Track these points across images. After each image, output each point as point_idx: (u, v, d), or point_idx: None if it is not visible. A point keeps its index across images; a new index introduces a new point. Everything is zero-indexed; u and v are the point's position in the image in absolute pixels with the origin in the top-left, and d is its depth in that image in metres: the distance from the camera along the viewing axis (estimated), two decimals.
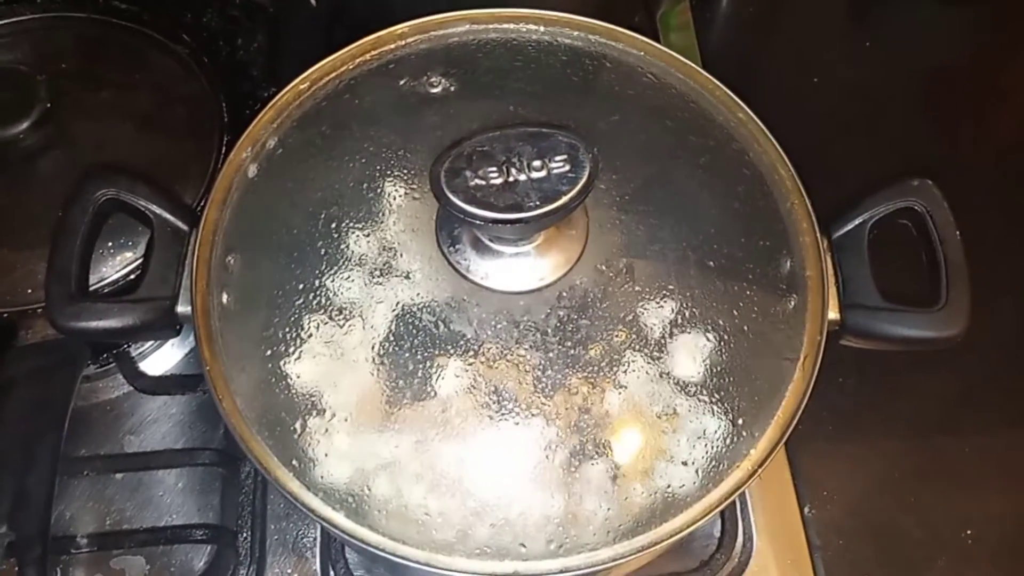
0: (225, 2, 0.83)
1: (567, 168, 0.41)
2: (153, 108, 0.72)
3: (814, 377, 0.46)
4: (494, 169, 0.41)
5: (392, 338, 0.45)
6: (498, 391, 0.44)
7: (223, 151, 0.70)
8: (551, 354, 0.45)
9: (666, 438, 0.45)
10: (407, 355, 0.45)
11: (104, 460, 0.66)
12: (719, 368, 0.46)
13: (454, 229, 0.47)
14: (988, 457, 0.71)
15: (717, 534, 0.65)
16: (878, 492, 0.69)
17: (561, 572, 0.43)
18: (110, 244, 0.64)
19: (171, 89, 0.74)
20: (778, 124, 0.52)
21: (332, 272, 0.47)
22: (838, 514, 0.67)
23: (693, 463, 0.45)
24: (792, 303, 0.48)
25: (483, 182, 0.41)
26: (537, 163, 0.41)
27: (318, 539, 0.64)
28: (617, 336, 0.45)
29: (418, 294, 0.46)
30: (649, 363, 0.45)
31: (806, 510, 0.67)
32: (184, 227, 0.50)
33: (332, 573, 0.63)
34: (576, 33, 0.55)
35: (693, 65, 0.54)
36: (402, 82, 0.53)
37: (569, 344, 0.45)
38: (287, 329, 0.46)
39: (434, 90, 0.52)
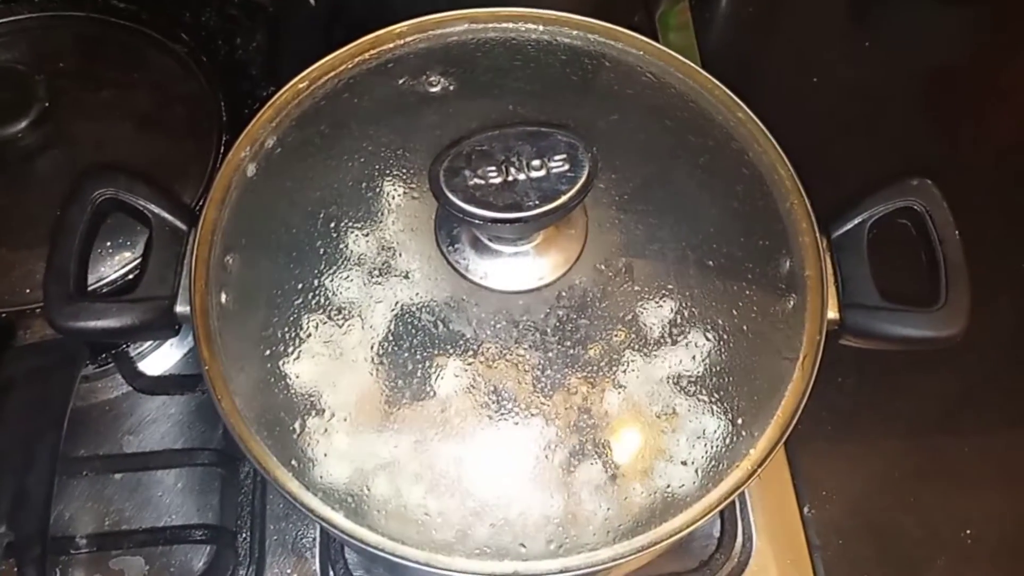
0: (224, 1, 0.83)
1: (566, 167, 0.41)
2: (152, 107, 0.72)
3: (813, 377, 0.46)
4: (493, 168, 0.41)
5: (391, 338, 0.45)
6: (497, 391, 0.44)
7: (222, 150, 0.70)
8: (550, 354, 0.45)
9: (665, 438, 0.45)
10: (406, 355, 0.45)
11: (103, 460, 0.66)
12: (718, 368, 0.46)
13: (453, 228, 0.47)
14: (988, 457, 0.71)
15: (717, 534, 0.65)
16: (878, 492, 0.69)
17: (561, 572, 0.43)
18: (109, 244, 0.64)
19: (170, 88, 0.74)
20: (777, 124, 0.52)
21: (331, 272, 0.47)
22: (838, 514, 0.67)
23: (693, 463, 0.45)
24: (791, 303, 0.48)
25: (482, 181, 0.41)
26: (536, 162, 0.41)
27: (317, 539, 0.64)
28: (616, 336, 0.45)
29: (417, 294, 0.46)
30: (648, 363, 0.45)
31: (806, 510, 0.67)
32: (183, 226, 0.50)
33: (331, 573, 0.63)
34: (575, 32, 0.55)
35: (692, 65, 0.54)
36: (401, 81, 0.52)
37: (568, 344, 0.45)
38: (286, 329, 0.46)
39: (433, 89, 0.52)
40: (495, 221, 0.41)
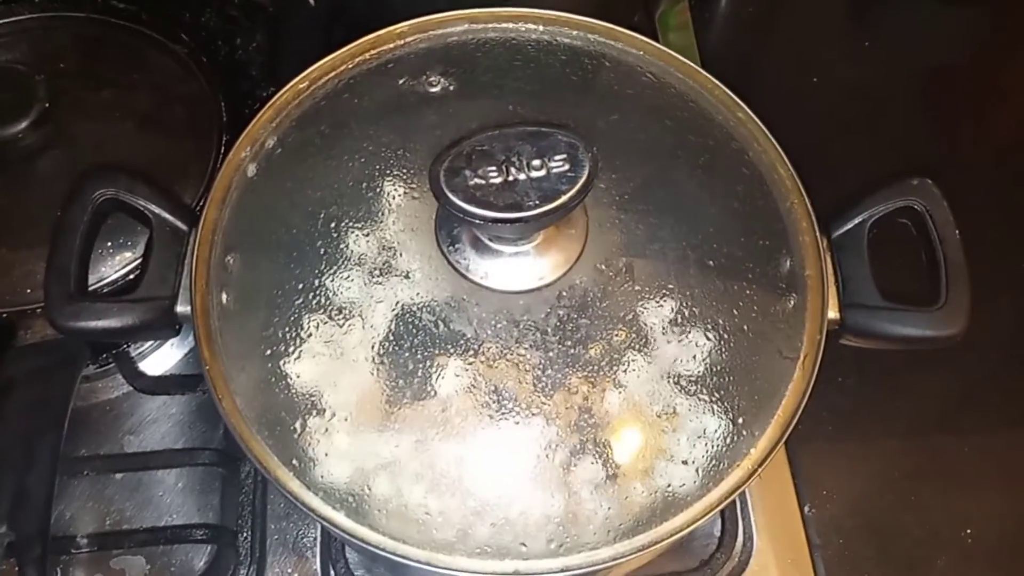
0: (224, 1, 0.83)
1: (566, 167, 0.41)
2: (152, 108, 0.72)
3: (814, 376, 0.46)
4: (493, 168, 0.41)
5: (392, 338, 0.45)
6: (498, 390, 0.44)
7: (222, 150, 0.70)
8: (551, 353, 0.45)
9: (666, 437, 0.45)
10: (407, 355, 0.45)
11: (104, 460, 0.66)
12: (719, 367, 0.46)
13: (453, 228, 0.47)
14: (988, 456, 0.71)
15: (717, 533, 0.65)
16: (878, 491, 0.69)
17: (562, 571, 0.43)
18: (109, 244, 0.64)
19: (170, 89, 0.74)
20: (777, 123, 0.52)
21: (331, 272, 0.47)
22: (838, 513, 0.67)
23: (693, 462, 0.45)
24: (792, 302, 0.48)
25: (482, 181, 0.41)
26: (536, 162, 0.41)
27: (318, 539, 0.64)
28: (617, 335, 0.45)
29: (418, 293, 0.46)
30: (649, 362, 0.45)
31: (806, 509, 0.67)
32: (183, 227, 0.50)
33: (332, 573, 0.63)
34: (575, 32, 0.55)
35: (692, 64, 0.54)
36: (401, 81, 0.52)
37: (569, 343, 0.45)
38: (287, 329, 0.46)
39: (433, 89, 0.52)
40: (495, 221, 0.41)
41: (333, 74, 0.53)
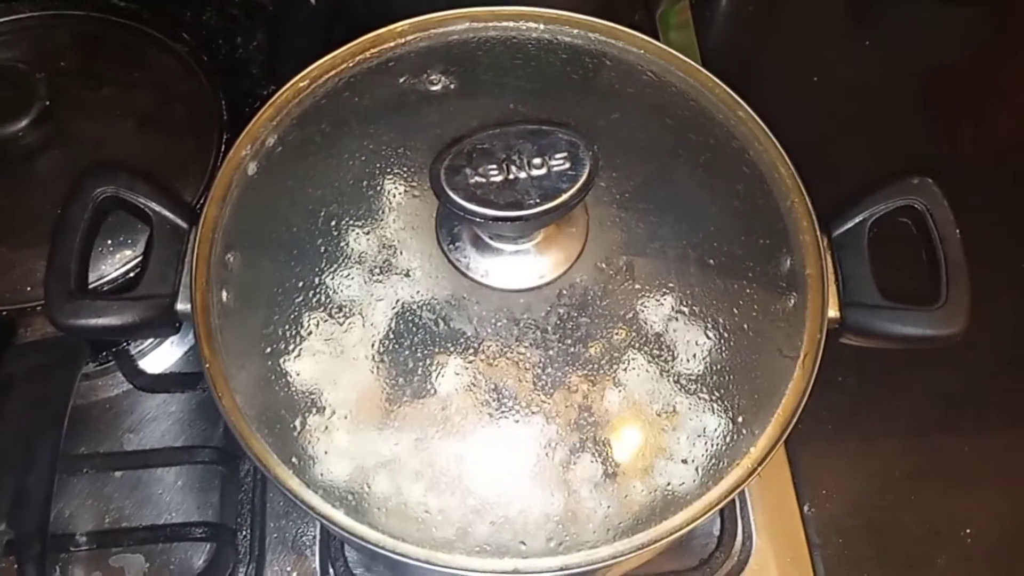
0: (224, 0, 0.83)
1: (567, 166, 0.41)
2: (152, 106, 0.72)
3: (814, 375, 0.46)
4: (494, 167, 0.41)
5: (392, 336, 0.45)
6: (498, 389, 0.44)
7: (222, 149, 0.70)
8: (551, 352, 0.45)
9: (666, 436, 0.45)
10: (407, 353, 0.45)
11: (103, 458, 0.66)
12: (719, 366, 0.46)
13: (454, 227, 0.47)
14: (988, 456, 0.71)
15: (717, 532, 0.65)
16: (878, 490, 0.69)
17: (561, 570, 0.43)
18: (109, 242, 0.64)
19: (170, 87, 0.74)
20: (778, 122, 0.52)
21: (332, 270, 0.47)
22: (838, 513, 0.67)
23: (693, 461, 0.45)
24: (792, 301, 0.48)
25: (483, 180, 0.41)
26: (537, 160, 0.41)
27: (317, 537, 0.64)
28: (617, 334, 0.45)
29: (418, 292, 0.46)
30: (649, 361, 0.45)
31: (806, 508, 0.67)
32: (183, 225, 0.50)
33: (331, 571, 0.63)
34: (576, 31, 0.55)
35: (693, 63, 0.54)
36: (402, 80, 0.52)
37: (569, 342, 0.45)
38: (287, 327, 0.46)
39: (434, 88, 0.52)
40: (496, 219, 0.41)
41: (333, 73, 0.53)
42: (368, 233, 0.47)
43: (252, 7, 0.84)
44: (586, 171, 0.41)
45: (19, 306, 0.63)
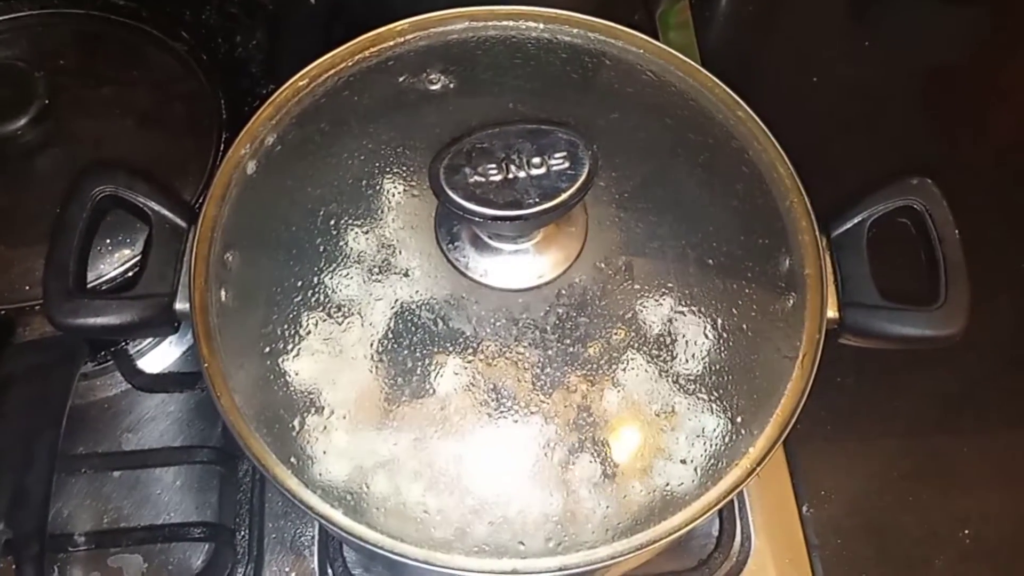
0: None
1: (566, 165, 0.41)
2: (152, 105, 0.72)
3: (813, 375, 0.46)
4: (493, 166, 0.41)
5: (391, 335, 0.45)
6: (497, 389, 0.44)
7: (222, 148, 0.70)
8: (550, 352, 0.45)
9: (665, 436, 0.45)
10: (406, 353, 0.45)
11: (102, 458, 0.66)
12: (718, 366, 0.46)
13: (453, 226, 0.47)
14: (986, 456, 0.71)
15: (715, 533, 0.65)
16: (876, 491, 0.69)
17: (560, 570, 0.43)
18: (108, 241, 0.64)
19: (170, 86, 0.74)
20: (777, 122, 0.52)
21: (331, 269, 0.47)
22: (836, 513, 0.67)
23: (692, 461, 0.45)
24: (791, 301, 0.48)
25: (482, 179, 0.41)
26: (536, 160, 0.41)
27: (316, 537, 0.64)
28: (616, 334, 0.45)
29: (417, 291, 0.46)
30: (648, 361, 0.45)
31: (804, 509, 0.67)
32: (182, 224, 0.50)
33: (330, 571, 0.63)
34: (575, 30, 0.55)
35: (692, 63, 0.54)
36: (401, 79, 0.52)
37: (568, 342, 0.45)
38: (286, 326, 0.46)
39: (433, 87, 0.52)
40: (495, 219, 0.41)
41: (333, 72, 0.53)
42: (367, 232, 0.47)
43: (252, 6, 0.84)
44: (585, 171, 0.41)
45: (17, 305, 0.63)
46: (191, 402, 0.69)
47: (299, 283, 0.47)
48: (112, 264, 0.64)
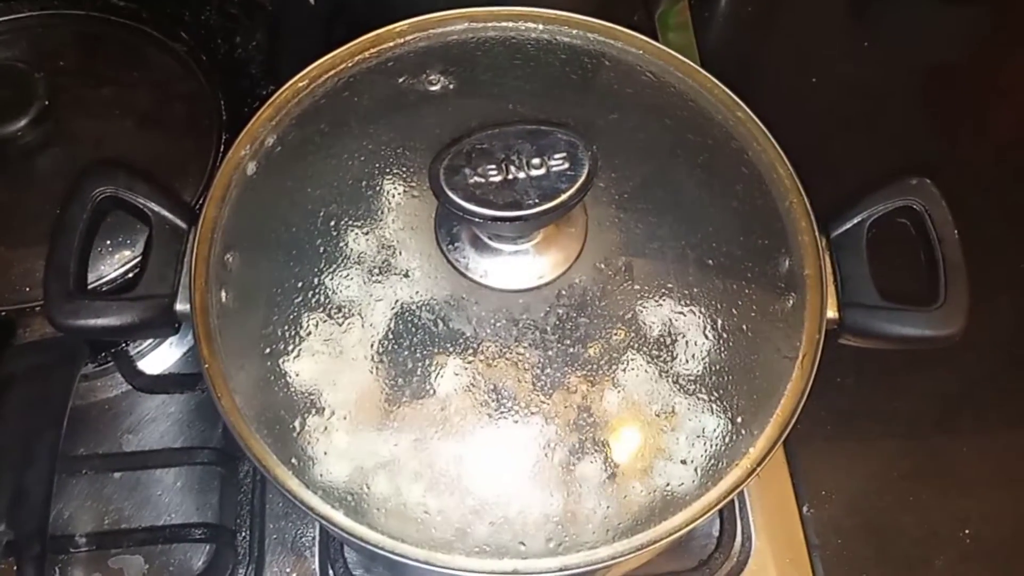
0: (224, 0, 0.83)
1: (566, 166, 0.41)
2: (152, 106, 0.72)
3: (813, 376, 0.46)
4: (493, 167, 0.41)
5: (391, 336, 0.45)
6: (497, 389, 0.44)
7: (222, 149, 0.70)
8: (550, 352, 0.45)
9: (665, 436, 0.45)
10: (406, 353, 0.45)
11: (102, 459, 0.66)
12: (718, 367, 0.46)
13: (453, 227, 0.47)
14: (986, 456, 0.71)
15: (716, 533, 0.65)
16: (876, 491, 0.69)
17: (560, 570, 0.43)
18: (108, 242, 0.64)
19: (170, 87, 0.74)
20: (777, 123, 0.52)
21: (331, 270, 0.47)
22: (837, 513, 0.67)
23: (692, 462, 0.45)
24: (791, 302, 0.48)
25: (482, 180, 0.41)
26: (536, 161, 0.41)
27: (317, 538, 0.64)
28: (616, 334, 0.45)
29: (417, 292, 0.46)
30: (648, 361, 0.45)
31: (805, 509, 0.67)
32: (183, 225, 0.50)
33: (331, 572, 0.63)
34: (575, 31, 0.55)
35: (692, 64, 0.54)
36: (401, 80, 0.52)
37: (568, 342, 0.45)
38: (286, 327, 0.46)
39: (433, 88, 0.52)
40: (495, 219, 0.41)
41: (333, 73, 0.53)
42: (367, 233, 0.47)
43: (251, 7, 0.84)
44: (585, 171, 0.41)
45: (18, 306, 0.63)
46: (192, 403, 0.69)
47: (299, 284, 0.47)
48: (112, 265, 0.64)
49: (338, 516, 0.44)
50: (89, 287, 0.51)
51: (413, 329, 0.45)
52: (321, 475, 0.44)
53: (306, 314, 0.46)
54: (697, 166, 0.51)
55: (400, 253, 0.47)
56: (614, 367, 0.45)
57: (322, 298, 0.46)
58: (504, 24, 0.55)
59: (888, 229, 0.51)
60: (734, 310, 0.47)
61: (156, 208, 0.50)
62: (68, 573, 0.62)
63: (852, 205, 0.51)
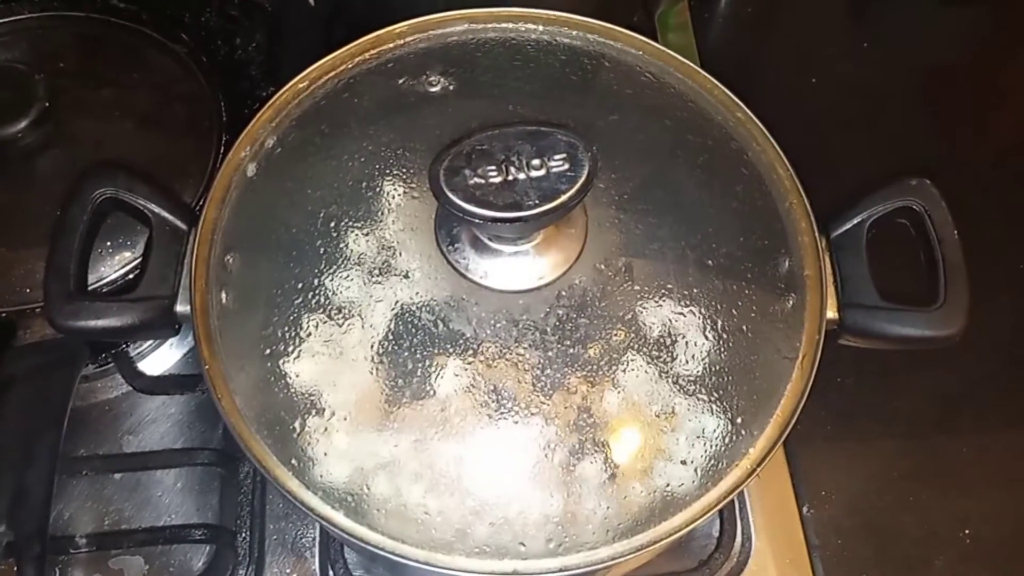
0: (224, 1, 0.83)
1: (566, 167, 0.41)
2: (152, 107, 0.72)
3: (813, 376, 0.46)
4: (493, 168, 0.41)
5: (391, 337, 0.45)
6: (497, 390, 0.44)
7: (222, 150, 0.70)
8: (550, 353, 0.45)
9: (665, 437, 0.45)
10: (406, 354, 0.45)
11: (103, 460, 0.66)
12: (718, 367, 0.46)
13: (453, 228, 0.47)
14: (986, 456, 0.71)
15: (716, 533, 0.65)
16: (876, 491, 0.69)
17: (560, 571, 0.43)
18: (109, 243, 0.64)
19: (170, 88, 0.74)
20: (776, 123, 0.52)
21: (331, 271, 0.47)
22: (836, 513, 0.68)
23: (692, 462, 0.45)
24: (791, 302, 0.48)
25: (482, 181, 0.41)
26: (536, 162, 0.41)
27: (317, 539, 0.64)
28: (616, 335, 0.45)
29: (417, 293, 0.46)
30: (648, 362, 0.45)
31: (805, 509, 0.67)
32: (183, 226, 0.50)
33: (331, 573, 0.63)
34: (575, 32, 0.55)
35: (692, 64, 0.54)
36: (401, 81, 0.52)
37: (568, 343, 0.45)
38: (286, 328, 0.46)
39: (433, 89, 0.52)
40: (495, 220, 0.41)
41: (333, 74, 0.53)
42: (367, 234, 0.47)
43: (251, 8, 0.84)
44: (585, 172, 0.41)
45: (18, 308, 0.63)
46: (192, 404, 0.69)
47: (299, 285, 0.47)
48: (113, 266, 0.64)
49: (338, 517, 0.44)
50: (89, 288, 0.51)
51: (413, 330, 0.45)
52: (321, 476, 0.44)
53: (306, 315, 0.46)
54: (697, 167, 0.51)
55: (400, 254, 0.47)
56: (614, 368, 0.45)
57: (322, 299, 0.46)
58: (504, 25, 0.55)
59: (888, 229, 0.51)
60: (734, 311, 0.47)
61: (156, 209, 0.50)
62: (68, 574, 0.63)
63: (852, 206, 0.51)
